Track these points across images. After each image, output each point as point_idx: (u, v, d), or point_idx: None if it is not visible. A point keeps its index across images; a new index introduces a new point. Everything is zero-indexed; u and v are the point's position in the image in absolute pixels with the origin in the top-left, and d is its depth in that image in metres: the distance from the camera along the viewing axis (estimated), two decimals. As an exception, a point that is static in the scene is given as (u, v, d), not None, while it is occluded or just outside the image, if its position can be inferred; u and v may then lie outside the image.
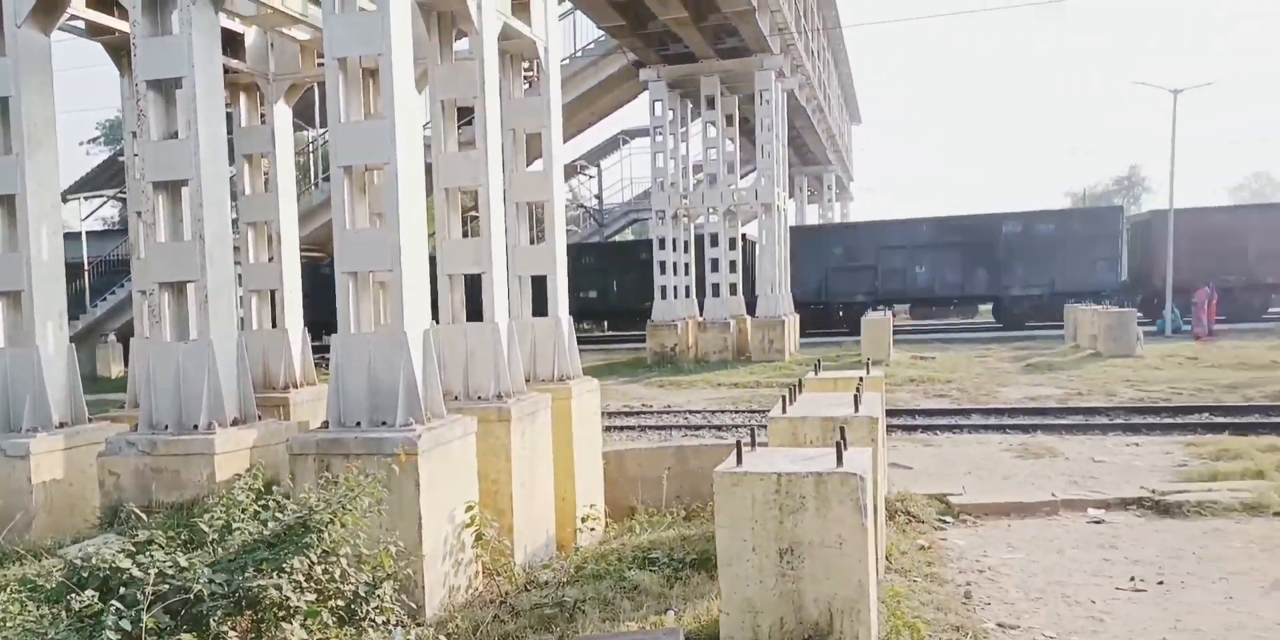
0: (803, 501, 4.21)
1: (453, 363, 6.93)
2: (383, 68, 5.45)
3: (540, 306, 8.17)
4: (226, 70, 8.32)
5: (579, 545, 7.47)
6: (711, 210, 24.15)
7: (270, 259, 8.71)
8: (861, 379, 7.23)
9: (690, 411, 16.42)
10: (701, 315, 24.28)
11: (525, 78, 8.43)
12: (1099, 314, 21.22)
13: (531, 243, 8.28)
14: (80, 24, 7.04)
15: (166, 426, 5.93)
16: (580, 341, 32.52)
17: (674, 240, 24.02)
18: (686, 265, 24.63)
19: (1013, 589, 6.26)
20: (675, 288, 24.06)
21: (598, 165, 42.19)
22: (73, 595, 3.54)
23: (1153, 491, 8.55)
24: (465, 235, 7.16)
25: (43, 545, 5.02)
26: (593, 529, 7.38)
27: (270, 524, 4.25)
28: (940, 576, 6.40)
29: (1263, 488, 8.46)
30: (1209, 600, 5.87)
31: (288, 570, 3.95)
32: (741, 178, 28.69)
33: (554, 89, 8.00)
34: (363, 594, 4.31)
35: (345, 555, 4.30)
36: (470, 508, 5.83)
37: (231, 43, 8.14)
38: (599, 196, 41.98)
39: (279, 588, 3.75)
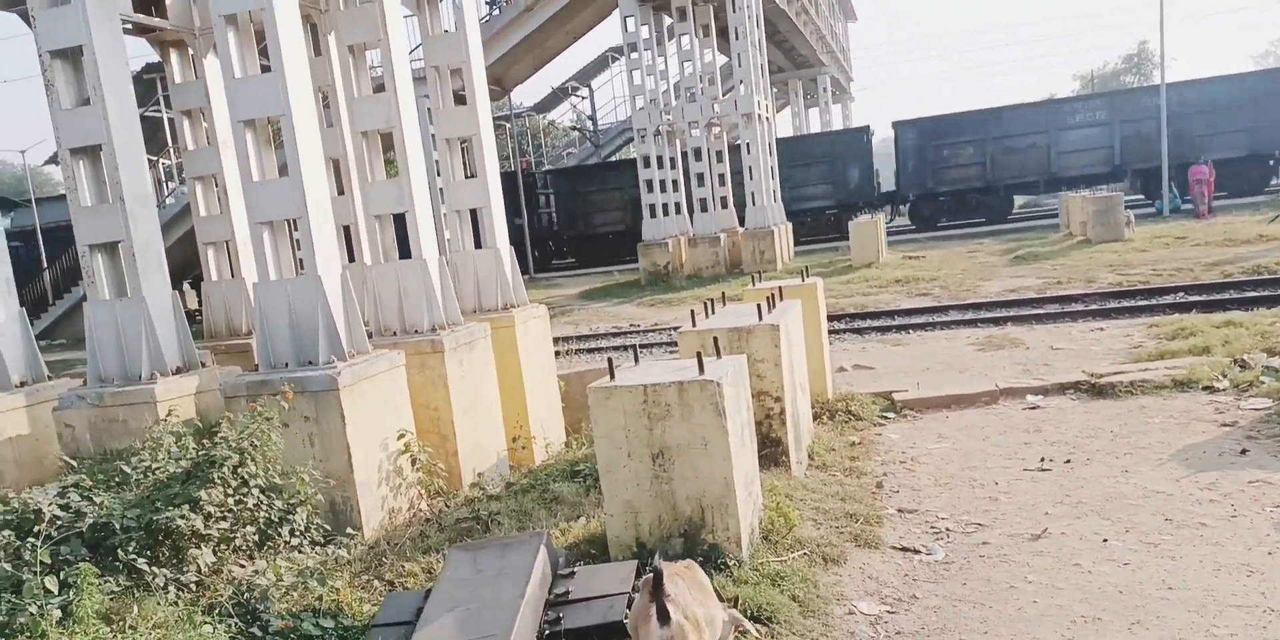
0: (668, 409, 4.53)
1: (388, 300, 7.25)
2: (267, 21, 5.61)
3: (479, 238, 8.42)
4: (151, 29, 8.48)
5: (536, 464, 7.90)
6: (694, 124, 23.98)
7: (220, 212, 8.99)
8: (780, 288, 7.47)
9: (674, 328, 16.74)
10: (692, 231, 24.40)
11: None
12: (1087, 200, 21.10)
13: (466, 177, 8.47)
14: None
15: (114, 379, 6.34)
16: (581, 266, 32.60)
17: (659, 157, 23.95)
18: (674, 182, 24.61)
19: (925, 476, 6.62)
20: (664, 205, 24.12)
21: (589, 85, 41.62)
22: (-6, 534, 3.97)
23: (1091, 374, 8.81)
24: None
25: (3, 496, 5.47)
26: (524, 448, 7.79)
27: (182, 462, 4.66)
28: (860, 469, 6.77)
29: (1198, 363, 8.69)
30: (1104, 475, 6.20)
31: (200, 502, 4.36)
32: (729, 90, 28.34)
33: (470, 22, 8.05)
34: (276, 519, 4.73)
35: (259, 486, 4.70)
36: (402, 436, 6.22)
37: (155, 3, 8.26)
38: (593, 117, 41.55)
39: (185, 517, 4.17)
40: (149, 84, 22.64)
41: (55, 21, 6.01)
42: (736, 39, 22.72)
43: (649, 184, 23.96)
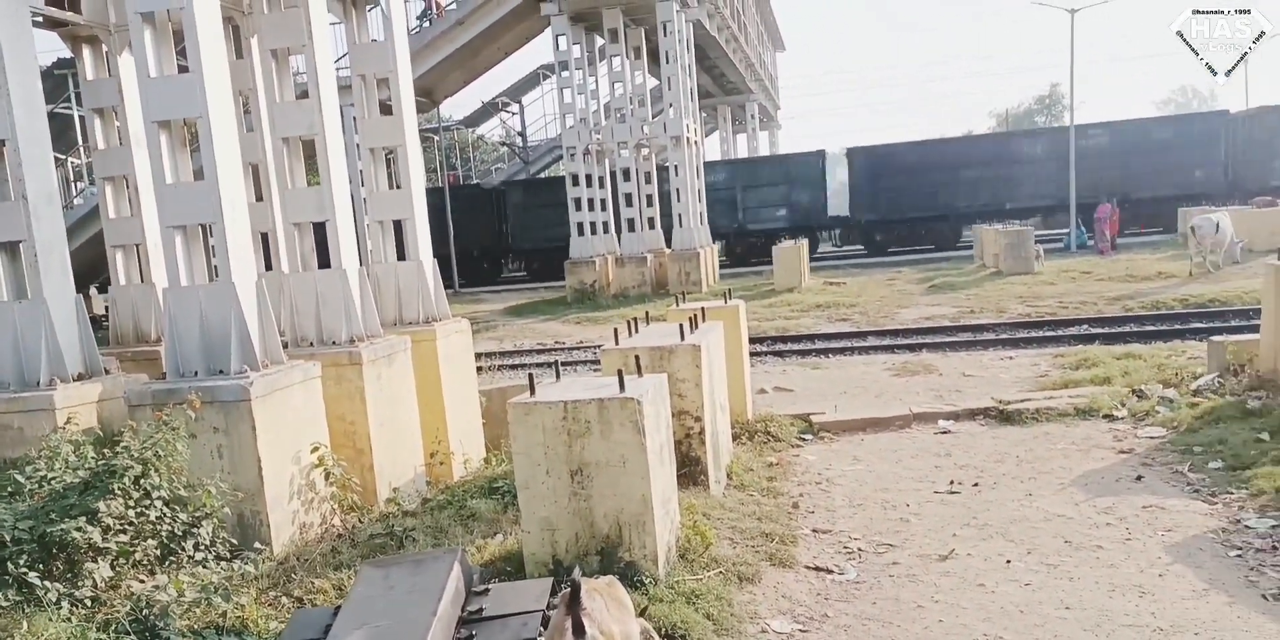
0: (588, 426, 4.52)
1: (305, 309, 7.08)
2: (185, 21, 5.47)
3: (403, 251, 8.31)
4: (64, 23, 8.20)
5: (454, 480, 7.78)
6: (623, 145, 24.13)
7: (131, 214, 8.69)
8: (703, 309, 7.55)
9: (599, 346, 16.73)
10: (620, 251, 24.48)
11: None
12: (1000, 233, 21.85)
13: (391, 188, 8.36)
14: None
15: (9, 384, 6.05)
16: (510, 282, 32.36)
17: (588, 176, 24.02)
18: (603, 201, 24.69)
19: (840, 497, 6.74)
20: (592, 223, 24.17)
21: (519, 101, 41.53)
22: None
23: (1000, 401, 9.09)
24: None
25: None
26: (442, 463, 7.67)
27: (80, 472, 4.46)
28: (778, 489, 6.85)
29: (1099, 392, 9.05)
30: (1009, 498, 6.39)
31: (99, 514, 4.18)
32: (659, 113, 28.61)
33: (397, 33, 7.98)
34: (180, 533, 4.56)
35: (161, 498, 4.53)
36: (316, 449, 6.07)
37: (67, -4, 7.99)
38: (522, 133, 41.45)
39: (81, 529, 3.99)
40: (59, 80, 21.82)
41: (-40, 12, 5.76)
42: (667, 62, 22.99)
43: (577, 202, 23.99)
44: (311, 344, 7.02)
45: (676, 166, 24.00)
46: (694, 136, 25.24)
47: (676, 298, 8.92)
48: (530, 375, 4.81)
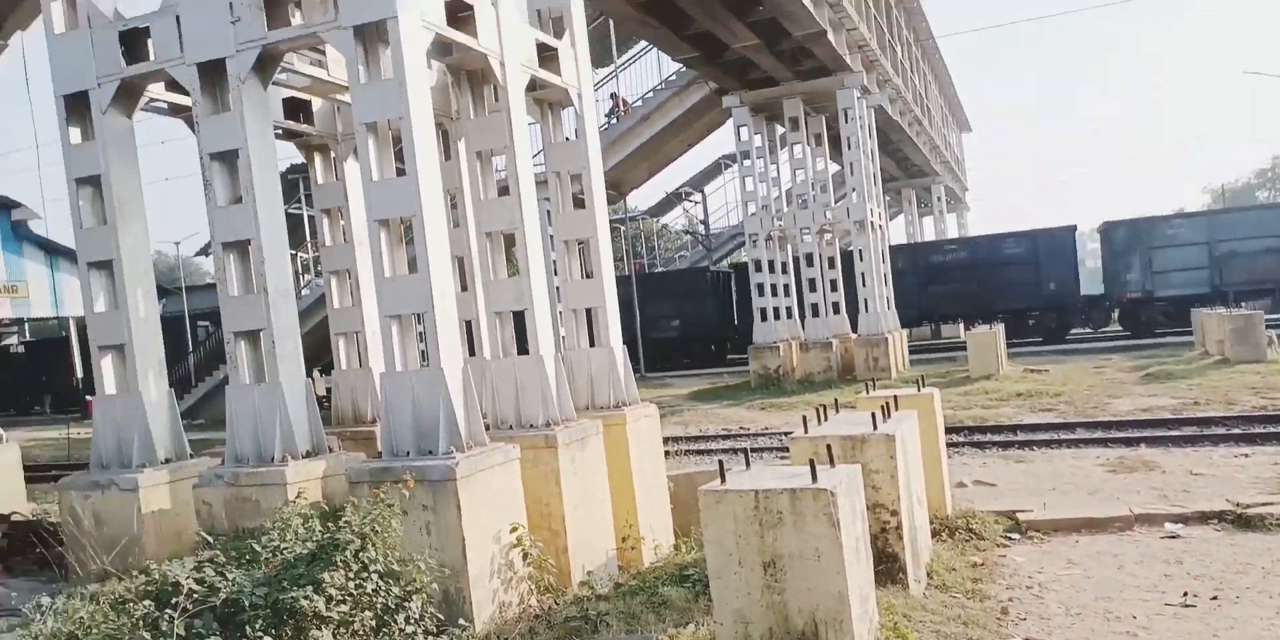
0: (780, 517, 4.41)
1: (505, 394, 7.40)
2: (404, 130, 6.01)
3: (594, 337, 8.57)
4: (299, 134, 9.18)
5: (644, 565, 7.76)
6: (805, 230, 24.16)
7: (352, 304, 9.44)
8: (895, 397, 7.30)
9: (784, 433, 16.47)
10: (804, 336, 24.25)
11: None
12: (1225, 318, 20.10)
13: (583, 277, 8.70)
14: (163, 105, 7.94)
15: (248, 460, 6.61)
16: (690, 367, 32.70)
17: (770, 262, 24.12)
18: (786, 286, 24.66)
19: (1055, 604, 6.20)
20: (775, 309, 24.13)
21: (702, 191, 42.66)
22: (133, 603, 4.13)
23: (1238, 504, 8.19)
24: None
25: (142, 567, 5.68)
26: (633, 548, 7.65)
27: (308, 543, 4.77)
28: (983, 592, 6.39)
29: (1360, 497, 8.00)
30: (1257, 616, 5.68)
31: (323, 584, 4.44)
32: (842, 197, 28.56)
33: (590, 132, 8.43)
34: (393, 606, 4.76)
35: (378, 571, 4.77)
36: (515, 529, 6.23)
37: (303, 109, 8.97)
38: (705, 221, 42.38)
39: (309, 599, 4.25)
40: (292, 183, 24.35)
41: (216, 128, 6.55)
42: (849, 148, 23.04)
43: (760, 288, 24.07)
44: (511, 427, 7.29)
45: (861, 251, 23.74)
46: (878, 220, 24.96)
47: (866, 385, 8.68)
48: (720, 462, 4.78)
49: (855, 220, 23.61)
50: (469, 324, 9.18)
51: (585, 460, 7.33)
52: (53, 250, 32.87)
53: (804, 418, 6.53)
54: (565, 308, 8.64)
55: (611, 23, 23.02)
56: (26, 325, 41.34)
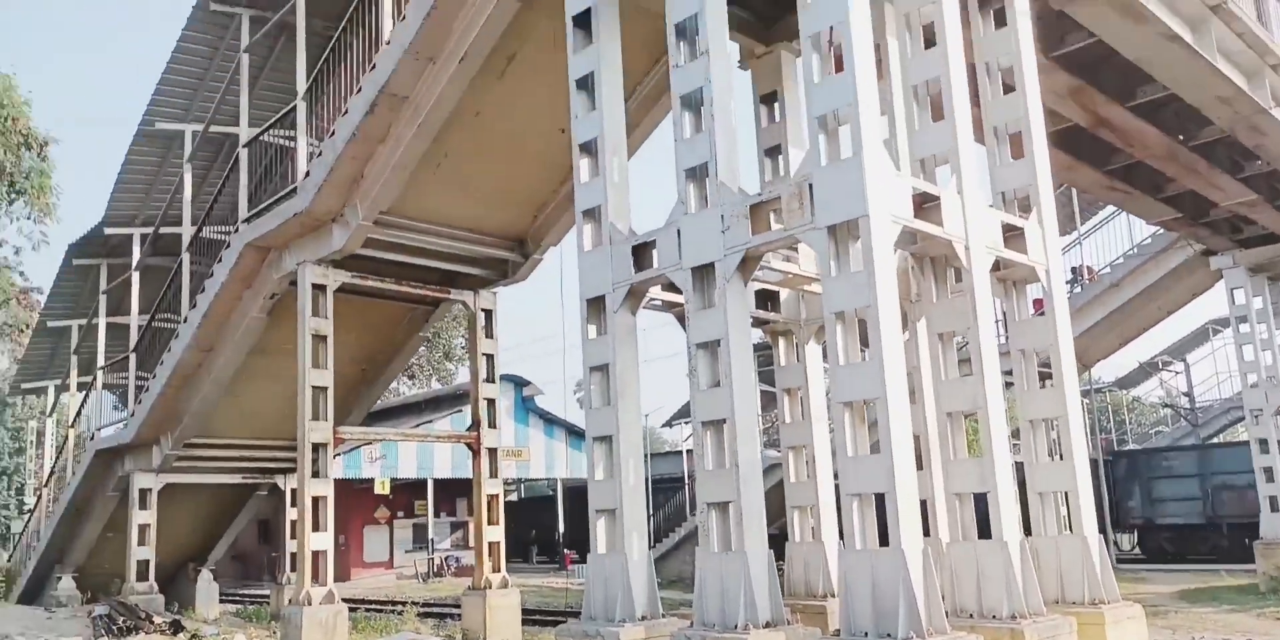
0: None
1: (965, 580, 7.13)
2: (870, 317, 6.41)
3: (1065, 523, 7.98)
4: (767, 321, 10.10)
5: None
6: (1328, 406, 20.29)
7: (808, 478, 9.84)
8: None
9: (1318, 657, 13.40)
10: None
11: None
12: None
13: (1051, 460, 8.24)
14: (658, 302, 9.30)
15: (714, 625, 7.04)
16: (1173, 560, 28.30)
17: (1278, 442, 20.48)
18: (1305, 472, 20.64)
19: None
20: (1291, 499, 20.20)
21: (1183, 359, 38.00)
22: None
23: None
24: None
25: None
26: None
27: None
28: None
29: None
30: None
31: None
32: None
33: (1059, 309, 8.21)
34: None
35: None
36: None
37: (771, 299, 9.92)
38: (1188, 394, 37.43)
39: None
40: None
41: (703, 321, 7.48)
42: (1383, 309, 19.32)
43: (1268, 472, 20.43)
44: (971, 616, 6.97)
45: None
46: None
47: None
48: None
49: (1398, 393, 19.39)
50: (923, 503, 9.07)
51: (1058, 662, 6.71)
52: (549, 420, 38.37)
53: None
54: (1031, 490, 8.21)
55: (1074, 190, 22.31)
56: (523, 485, 47.92)
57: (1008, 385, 8.36)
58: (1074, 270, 25.26)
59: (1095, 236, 25.89)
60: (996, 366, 7.41)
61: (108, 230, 18.06)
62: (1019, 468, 8.24)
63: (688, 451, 33.39)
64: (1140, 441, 38.17)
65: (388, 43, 10.29)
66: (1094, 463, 27.91)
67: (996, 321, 13.38)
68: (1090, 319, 22.85)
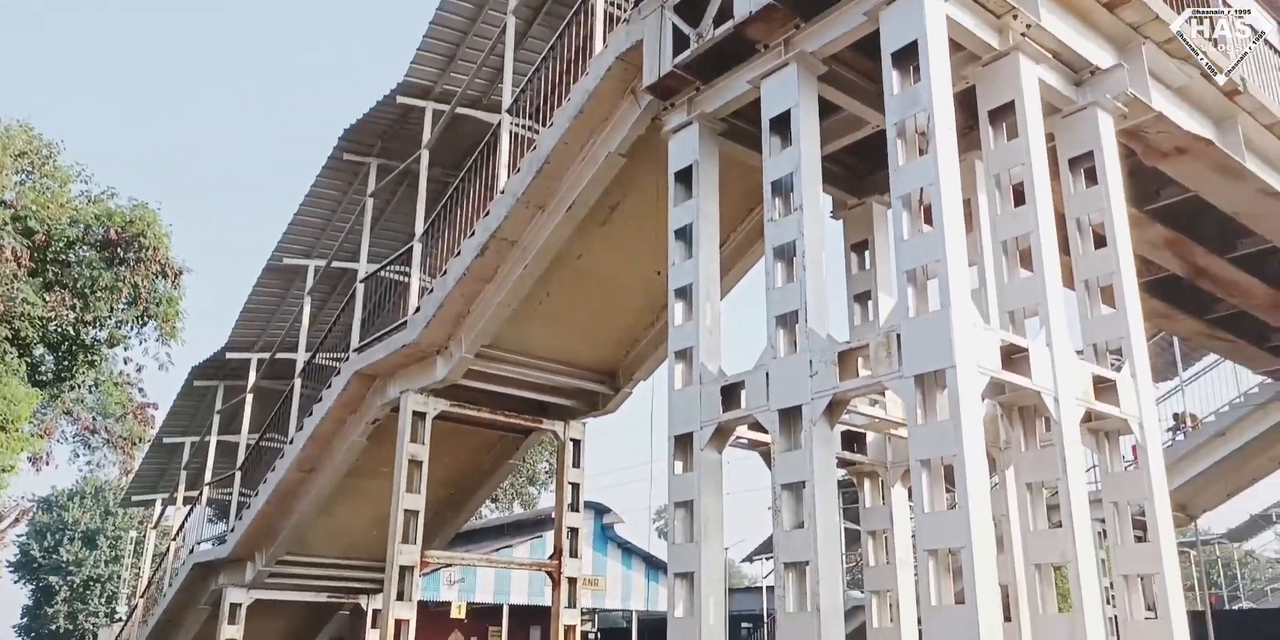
0: None
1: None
2: (956, 465, 6.52)
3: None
4: (852, 462, 10.19)
5: None
6: None
7: (892, 622, 9.63)
8: None
9: None
10: None
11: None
12: None
13: (1145, 618, 7.97)
14: (744, 441, 9.53)
15: None
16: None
17: None
18: None
19: None
20: None
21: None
22: None
23: None
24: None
25: None
26: None
27: None
28: None
29: None
30: None
31: None
32: None
33: (1154, 462, 8.11)
34: None
35: None
36: None
37: (857, 441, 10.04)
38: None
39: None
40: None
41: (788, 463, 7.64)
42: None
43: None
44: None
45: None
46: None
47: None
48: None
49: None
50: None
51: None
52: (628, 550, 37.83)
53: None
54: (1125, 651, 7.92)
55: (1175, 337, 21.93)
56: (597, 614, 46.77)
57: (1103, 532, 8.19)
58: (1175, 417, 24.46)
59: (1199, 382, 25.14)
60: (1087, 520, 7.34)
61: (229, 355, 19.32)
62: (1113, 623, 7.98)
63: (768, 587, 32.38)
64: (1254, 599, 35.44)
65: (502, 191, 11.21)
66: (1198, 616, 26.12)
67: (1089, 469, 13.13)
68: (1194, 468, 21.97)
